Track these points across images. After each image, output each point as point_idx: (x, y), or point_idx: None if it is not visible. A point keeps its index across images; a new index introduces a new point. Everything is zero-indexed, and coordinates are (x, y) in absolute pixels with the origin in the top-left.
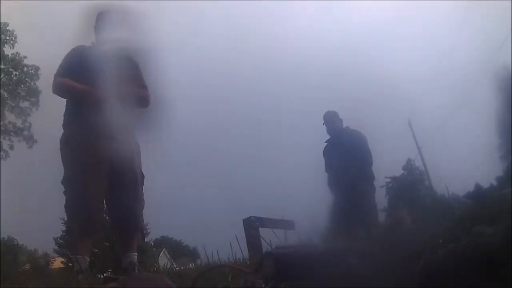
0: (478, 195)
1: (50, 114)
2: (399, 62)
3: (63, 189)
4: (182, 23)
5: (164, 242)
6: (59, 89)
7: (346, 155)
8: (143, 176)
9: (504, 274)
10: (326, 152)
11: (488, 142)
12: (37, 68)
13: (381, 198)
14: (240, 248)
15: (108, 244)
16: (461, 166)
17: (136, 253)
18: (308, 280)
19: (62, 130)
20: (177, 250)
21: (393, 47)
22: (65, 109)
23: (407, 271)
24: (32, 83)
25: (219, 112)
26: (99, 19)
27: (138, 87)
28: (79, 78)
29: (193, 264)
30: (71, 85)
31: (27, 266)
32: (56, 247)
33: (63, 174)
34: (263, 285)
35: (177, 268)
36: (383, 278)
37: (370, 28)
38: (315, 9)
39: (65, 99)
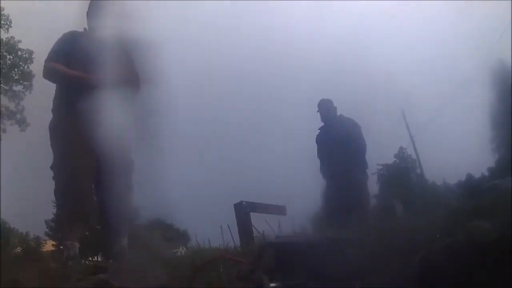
0: (470, 185)
1: (43, 98)
2: (394, 55)
3: (52, 175)
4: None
5: (155, 225)
6: (50, 74)
7: (339, 142)
8: (133, 163)
9: (502, 271)
10: (319, 139)
11: (480, 134)
12: (31, 52)
13: (372, 184)
14: (231, 235)
15: (99, 227)
16: (453, 156)
17: (126, 238)
18: (307, 270)
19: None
20: (169, 233)
21: (389, 41)
22: (55, 94)
23: (403, 265)
24: (25, 67)
25: (213, 100)
26: (92, 5)
27: (129, 74)
28: (70, 63)
29: (184, 248)
30: (61, 70)
31: (19, 249)
32: (47, 230)
33: (53, 160)
34: (262, 275)
35: (170, 252)
36: (378, 270)
37: (365, 21)
38: (310, 3)
39: (55, 84)
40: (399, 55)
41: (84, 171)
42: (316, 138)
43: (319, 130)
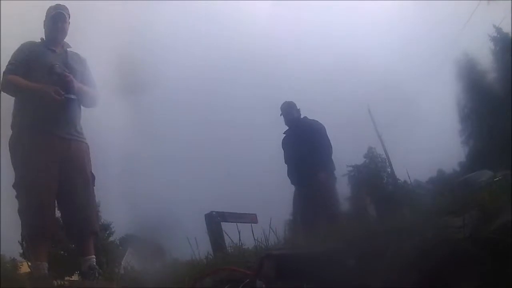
0: (441, 181)
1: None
2: (358, 49)
3: (16, 194)
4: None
5: (129, 241)
6: (8, 87)
7: (305, 145)
8: (94, 177)
9: (475, 269)
10: (285, 143)
11: (449, 128)
12: None
13: (343, 187)
14: (197, 245)
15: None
16: (423, 152)
17: (94, 256)
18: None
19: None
20: (143, 248)
21: (352, 37)
22: (14, 109)
23: (375, 267)
24: None
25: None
26: (47, 16)
27: (88, 86)
28: (29, 75)
29: (158, 263)
30: (21, 82)
31: None
32: (22, 251)
33: (14, 179)
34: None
35: (142, 267)
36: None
37: (327, 18)
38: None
39: (14, 98)
40: (362, 50)
41: (46, 188)
42: (282, 142)
43: (284, 134)
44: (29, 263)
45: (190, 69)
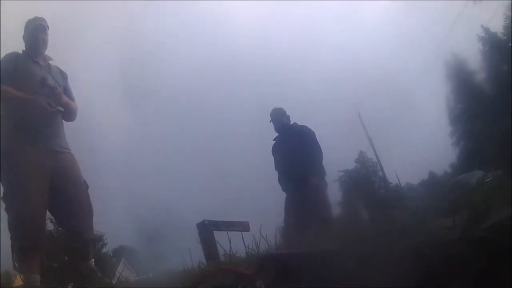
0: (433, 183)
1: None
2: (348, 53)
3: (5, 207)
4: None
5: (122, 252)
6: None
7: (295, 151)
8: (87, 186)
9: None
10: (275, 150)
11: (439, 129)
12: None
13: (335, 192)
14: (190, 254)
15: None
16: (414, 155)
17: (93, 260)
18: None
19: None
20: (136, 258)
21: (340, 41)
22: (2, 119)
23: (365, 270)
24: None
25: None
26: (27, 29)
27: (70, 99)
28: (17, 86)
29: (152, 273)
30: (11, 92)
31: None
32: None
33: (2, 190)
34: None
35: (136, 278)
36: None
37: (316, 22)
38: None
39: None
40: (352, 55)
41: (37, 199)
42: (272, 149)
43: (274, 141)
44: (22, 276)
45: (178, 77)
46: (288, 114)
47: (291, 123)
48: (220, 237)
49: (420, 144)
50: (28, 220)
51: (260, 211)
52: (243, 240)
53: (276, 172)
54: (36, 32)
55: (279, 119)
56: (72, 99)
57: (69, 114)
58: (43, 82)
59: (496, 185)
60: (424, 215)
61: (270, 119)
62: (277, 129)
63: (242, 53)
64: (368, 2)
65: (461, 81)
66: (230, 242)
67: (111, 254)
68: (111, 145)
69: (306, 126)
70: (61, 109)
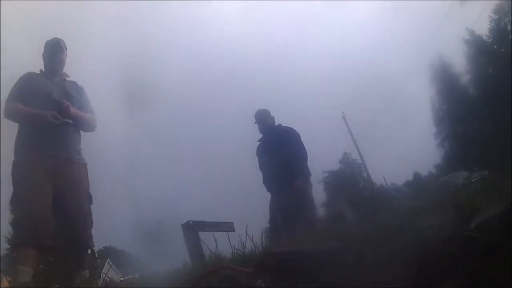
0: (418, 184)
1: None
2: (331, 56)
3: (11, 208)
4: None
5: (107, 253)
6: (10, 114)
7: (280, 152)
8: (90, 197)
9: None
10: (260, 151)
11: (424, 130)
12: None
13: (320, 193)
14: (176, 255)
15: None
16: (398, 156)
17: (87, 270)
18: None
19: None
20: (121, 260)
21: (323, 43)
22: (17, 134)
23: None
24: None
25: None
26: (45, 48)
27: (86, 112)
28: (29, 103)
29: (137, 274)
30: (22, 109)
31: None
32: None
33: (11, 195)
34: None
35: (121, 278)
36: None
37: (302, 24)
38: (239, 10)
39: (18, 124)
40: (335, 57)
41: (38, 201)
42: (257, 150)
43: (259, 142)
44: (8, 278)
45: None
46: (272, 116)
47: (276, 124)
48: (206, 237)
49: (405, 145)
50: (33, 212)
51: (245, 211)
52: (229, 241)
53: (261, 173)
54: (52, 52)
55: (264, 120)
56: (89, 110)
57: (83, 125)
58: (49, 97)
59: (482, 185)
60: (412, 214)
61: (254, 120)
62: (261, 130)
63: (225, 55)
64: (353, 3)
65: (446, 83)
66: (216, 242)
67: (96, 255)
68: (96, 149)
69: (290, 127)
70: (69, 121)
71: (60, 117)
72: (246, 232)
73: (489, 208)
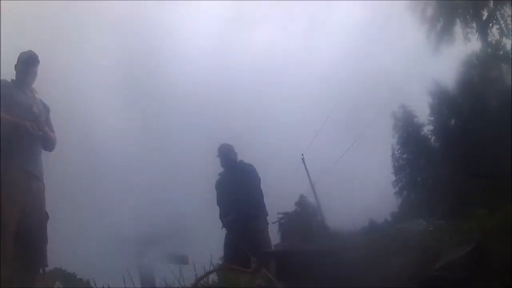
0: (373, 231)
1: None
2: (291, 97)
3: None
4: None
5: (57, 274)
6: None
7: (239, 188)
8: (48, 216)
9: None
10: (219, 185)
11: (382, 178)
12: None
13: (274, 234)
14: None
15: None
16: (355, 202)
17: None
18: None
19: None
20: (71, 283)
21: (285, 80)
22: None
23: None
24: None
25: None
26: (20, 60)
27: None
28: (5, 111)
29: None
30: (4, 117)
31: None
32: None
33: None
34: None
35: None
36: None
37: (261, 64)
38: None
39: None
40: (297, 97)
41: (9, 219)
42: (216, 183)
43: (219, 176)
44: None
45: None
46: (235, 151)
47: (238, 160)
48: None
49: (363, 191)
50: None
51: (199, 245)
52: (181, 274)
53: (218, 207)
54: (27, 65)
55: (227, 154)
56: (52, 131)
57: (48, 143)
58: (30, 109)
59: (445, 228)
60: (373, 255)
61: (217, 153)
62: (222, 164)
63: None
64: (315, 51)
65: (408, 132)
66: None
67: (46, 277)
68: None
69: (251, 165)
70: (43, 136)
71: (37, 129)
72: (202, 267)
73: (452, 251)
